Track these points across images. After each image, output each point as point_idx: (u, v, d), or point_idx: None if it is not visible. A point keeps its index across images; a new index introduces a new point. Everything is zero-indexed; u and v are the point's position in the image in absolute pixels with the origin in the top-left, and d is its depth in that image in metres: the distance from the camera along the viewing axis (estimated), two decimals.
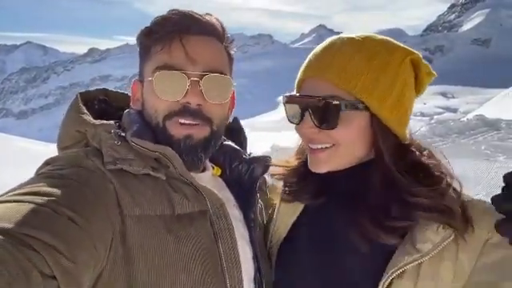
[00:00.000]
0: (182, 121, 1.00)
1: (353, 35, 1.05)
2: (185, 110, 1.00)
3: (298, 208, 1.18)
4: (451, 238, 0.93)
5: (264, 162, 1.18)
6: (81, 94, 1.08)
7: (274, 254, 1.16)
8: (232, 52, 1.11)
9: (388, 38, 1.06)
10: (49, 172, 0.88)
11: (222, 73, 1.03)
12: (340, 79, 0.98)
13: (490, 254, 0.91)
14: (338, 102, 0.97)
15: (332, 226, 1.10)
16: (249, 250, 1.08)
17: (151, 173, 0.96)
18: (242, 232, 1.08)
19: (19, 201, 0.76)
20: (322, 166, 1.05)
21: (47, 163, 0.93)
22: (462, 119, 14.39)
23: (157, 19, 1.04)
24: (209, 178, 1.11)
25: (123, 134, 0.99)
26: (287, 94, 1.11)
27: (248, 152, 1.23)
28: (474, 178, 6.98)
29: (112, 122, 1.02)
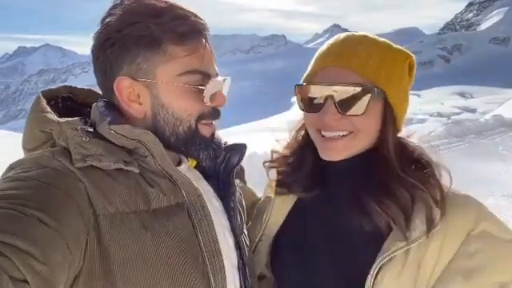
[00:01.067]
0: (211, 123, 1.05)
1: (359, 33, 1.11)
2: (215, 113, 1.05)
3: (291, 200, 1.23)
4: (437, 229, 0.97)
5: (240, 150, 1.17)
6: (43, 92, 1.04)
7: (267, 246, 1.20)
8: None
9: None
10: (14, 175, 0.84)
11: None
12: (365, 68, 1.03)
13: (472, 243, 0.96)
14: (369, 89, 1.02)
15: (327, 215, 1.14)
16: (230, 239, 1.08)
17: (123, 167, 0.92)
18: (222, 222, 1.08)
19: None
20: (339, 153, 1.07)
21: (11, 167, 0.88)
22: (480, 119, 14.15)
23: (172, 13, 0.95)
24: (186, 170, 1.09)
25: (91, 130, 0.95)
26: (304, 82, 1.13)
27: (223, 141, 1.18)
28: (490, 179, 6.88)
29: (77, 118, 0.97)
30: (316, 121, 1.08)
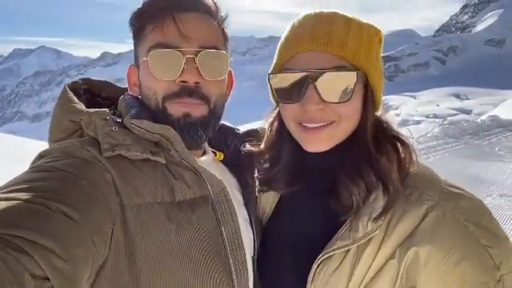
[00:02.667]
0: (181, 101, 0.99)
1: (328, 10, 1.02)
2: (183, 91, 0.99)
3: (276, 195, 1.19)
4: (377, 232, 0.93)
5: (258, 134, 1.19)
6: (68, 85, 1.07)
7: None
8: (226, 30, 1.09)
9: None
10: (42, 165, 0.84)
11: (217, 49, 1.01)
12: (345, 51, 0.95)
13: (431, 220, 0.91)
14: (354, 72, 0.95)
15: (306, 209, 1.10)
16: (250, 232, 1.09)
17: (150, 157, 0.93)
18: (243, 214, 1.08)
19: (10, 199, 0.72)
20: (323, 144, 1.02)
21: (41, 156, 0.90)
22: (476, 120, 14.19)
23: None
24: (209, 162, 1.09)
25: (119, 120, 0.97)
26: (276, 71, 1.04)
27: (232, 128, 1.24)
28: (487, 179, 6.90)
29: (106, 109, 1.00)
30: (297, 112, 1.01)
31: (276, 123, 1.16)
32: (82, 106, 0.99)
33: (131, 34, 1.07)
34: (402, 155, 1.00)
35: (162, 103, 0.99)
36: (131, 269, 0.85)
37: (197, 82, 0.99)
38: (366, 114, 1.01)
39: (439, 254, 0.87)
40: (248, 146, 1.20)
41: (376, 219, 0.94)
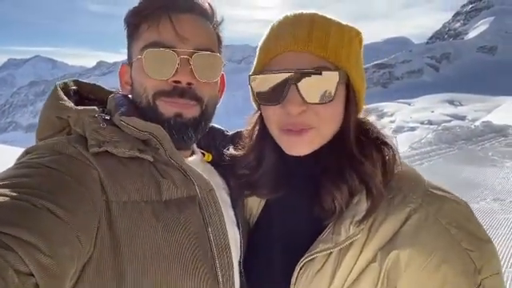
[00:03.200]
0: (172, 101, 0.99)
1: (307, 11, 1.00)
2: (174, 91, 0.99)
3: (262, 200, 1.18)
4: (359, 236, 0.92)
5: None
6: (59, 84, 1.07)
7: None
8: (221, 33, 1.11)
9: None
10: (28, 161, 0.84)
11: (211, 51, 1.02)
12: (326, 51, 0.93)
13: (413, 223, 0.89)
14: (336, 72, 0.93)
15: (290, 212, 1.09)
16: (238, 234, 1.08)
17: (138, 154, 0.93)
18: (230, 216, 1.08)
19: None
20: (306, 147, 0.98)
21: (27, 152, 0.89)
22: (470, 126, 14.33)
23: None
24: (197, 163, 1.09)
25: (107, 118, 0.97)
26: (257, 72, 1.02)
27: (221, 130, 1.25)
28: (481, 184, 6.96)
29: (94, 107, 0.99)
30: (278, 115, 0.98)
31: (257, 127, 1.14)
32: (70, 104, 0.98)
33: (126, 33, 1.07)
34: (387, 157, 0.98)
35: (153, 100, 0.99)
36: (116, 267, 0.84)
37: (189, 83, 0.99)
38: (348, 116, 0.99)
39: (420, 257, 0.86)
40: (231, 150, 1.19)
41: (358, 223, 0.92)
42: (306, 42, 0.93)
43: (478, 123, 15.77)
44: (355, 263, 0.92)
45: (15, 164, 0.85)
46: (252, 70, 1.05)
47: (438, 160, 9.09)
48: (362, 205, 0.94)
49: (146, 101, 1.00)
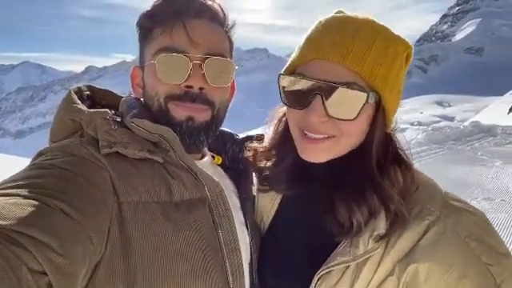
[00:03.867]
0: (184, 105, 1.00)
1: (362, 16, 0.97)
2: (186, 95, 0.99)
3: (276, 199, 1.17)
4: (378, 250, 0.91)
5: (257, 140, 1.20)
6: (73, 89, 1.08)
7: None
8: (232, 37, 1.12)
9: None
10: (41, 163, 0.85)
11: (223, 56, 1.03)
12: (362, 67, 0.89)
13: (431, 236, 0.89)
14: (365, 93, 0.90)
15: (309, 217, 1.08)
16: (247, 235, 1.08)
17: (148, 155, 0.94)
18: (240, 218, 1.09)
19: (9, 194, 0.73)
20: (320, 156, 0.98)
21: (40, 154, 0.90)
22: (459, 127, 14.51)
23: (158, 2, 1.03)
24: (208, 165, 1.10)
25: (119, 120, 0.99)
26: (289, 72, 1.01)
27: (231, 134, 1.26)
28: (472, 183, 7.02)
29: (106, 109, 1.01)
30: (300, 119, 0.98)
31: (283, 121, 1.13)
32: (83, 106, 1.00)
33: (137, 36, 1.08)
34: (404, 179, 0.97)
35: (165, 103, 1.00)
36: (127, 267, 0.84)
37: (201, 88, 0.99)
38: (372, 134, 0.96)
39: (439, 271, 0.85)
40: (253, 143, 1.19)
41: (378, 237, 0.91)
42: (344, 54, 0.89)
43: (466, 123, 15.97)
44: (373, 276, 0.91)
45: (29, 165, 0.86)
46: (284, 68, 1.03)
47: (428, 160, 9.17)
48: (381, 219, 0.93)
49: (157, 104, 1.01)
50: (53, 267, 0.68)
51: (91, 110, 0.98)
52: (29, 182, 0.77)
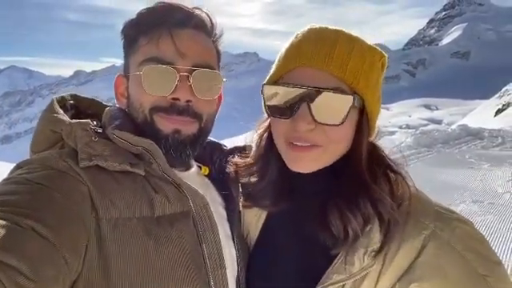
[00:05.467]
0: (170, 117, 0.97)
1: (335, 28, 0.99)
2: (173, 107, 0.97)
3: (261, 215, 1.14)
4: (374, 267, 0.90)
5: (245, 151, 1.18)
6: (56, 98, 1.05)
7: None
8: (220, 47, 1.09)
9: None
10: (16, 177, 0.82)
11: (211, 68, 1.00)
12: (345, 72, 0.91)
13: (429, 252, 0.88)
14: (351, 96, 0.91)
15: (298, 233, 1.05)
16: (233, 249, 1.06)
17: (129, 168, 0.91)
18: (226, 230, 1.06)
19: None
20: (309, 165, 0.97)
21: (18, 167, 0.87)
22: (447, 130, 14.68)
23: (144, 10, 1.00)
24: (194, 176, 1.07)
25: (100, 131, 0.96)
26: (271, 83, 1.00)
27: (220, 145, 1.23)
28: (460, 186, 7.09)
29: (88, 120, 0.98)
30: (286, 128, 0.96)
31: (266, 135, 1.11)
32: (64, 117, 0.97)
33: (122, 44, 1.05)
34: (394, 186, 0.97)
35: (150, 115, 0.97)
36: (106, 284, 0.82)
37: (188, 100, 0.97)
38: (358, 140, 0.97)
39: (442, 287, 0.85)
40: (236, 158, 1.17)
41: (374, 253, 0.90)
42: (326, 60, 0.91)
43: (454, 127, 16.17)
44: None
45: (4, 179, 0.84)
46: (267, 79, 1.03)
47: (417, 164, 9.24)
48: (375, 233, 0.92)
49: (142, 115, 0.98)
50: None
51: (72, 121, 0.95)
52: (1, 199, 0.75)
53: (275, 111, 0.98)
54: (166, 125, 0.97)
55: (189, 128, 0.99)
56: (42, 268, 0.69)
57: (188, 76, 0.95)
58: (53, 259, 0.72)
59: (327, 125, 0.92)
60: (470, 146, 12.02)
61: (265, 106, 1.01)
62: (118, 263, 0.83)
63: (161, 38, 0.96)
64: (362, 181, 0.95)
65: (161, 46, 0.95)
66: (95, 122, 0.99)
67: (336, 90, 0.91)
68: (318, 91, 0.90)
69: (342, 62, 0.91)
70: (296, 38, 0.99)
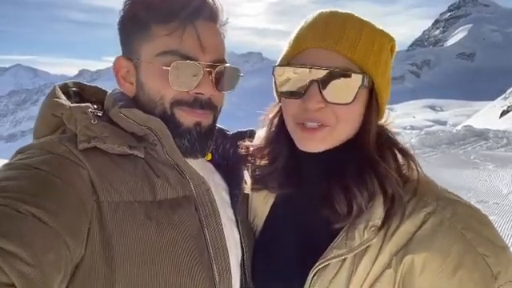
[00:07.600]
0: (192, 111, 0.98)
1: (344, 11, 1.00)
2: (196, 102, 0.97)
3: (269, 198, 1.16)
4: (374, 240, 0.91)
5: (248, 136, 1.18)
6: (58, 85, 1.04)
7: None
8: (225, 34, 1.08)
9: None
10: (16, 163, 0.82)
11: (226, 61, 1.01)
12: (354, 53, 0.93)
13: (428, 227, 0.89)
14: (360, 75, 0.92)
15: (303, 215, 1.07)
16: (236, 233, 1.06)
17: (128, 150, 0.90)
18: (229, 215, 1.06)
19: None
20: (319, 144, 0.98)
21: (18, 152, 0.87)
22: (452, 131, 14.63)
23: None
24: (197, 161, 1.06)
25: (99, 114, 0.96)
26: (282, 64, 1.01)
27: (225, 132, 1.22)
28: (466, 187, 7.06)
29: (88, 104, 0.97)
30: (297, 109, 0.97)
31: (276, 119, 1.12)
32: (65, 101, 0.96)
33: (122, 20, 1.00)
34: (401, 164, 0.98)
35: (171, 108, 0.96)
36: (108, 268, 0.82)
37: (211, 95, 0.98)
38: (368, 120, 0.98)
39: (435, 261, 0.84)
40: (246, 142, 1.17)
41: (375, 227, 0.91)
42: (336, 40, 0.92)
43: (459, 128, 16.11)
44: (371, 268, 0.90)
45: (4, 165, 0.83)
46: (278, 61, 1.04)
47: (422, 164, 9.21)
48: (377, 209, 0.92)
49: (161, 108, 0.97)
50: (21, 279, 0.64)
51: (72, 105, 0.95)
52: (0, 185, 0.74)
53: (286, 92, 0.99)
54: (187, 118, 0.97)
55: (207, 120, 1.00)
56: (42, 253, 0.69)
57: (211, 71, 0.96)
58: (53, 244, 0.72)
59: (337, 104, 0.93)
60: (475, 146, 11.98)
61: (275, 87, 1.03)
62: (120, 245, 0.83)
63: (185, 31, 0.93)
64: (369, 157, 0.97)
65: (185, 40, 0.93)
66: (95, 106, 0.99)
67: (346, 69, 0.92)
68: (328, 71, 0.92)
69: (352, 43, 0.92)
70: (306, 21, 1.01)
